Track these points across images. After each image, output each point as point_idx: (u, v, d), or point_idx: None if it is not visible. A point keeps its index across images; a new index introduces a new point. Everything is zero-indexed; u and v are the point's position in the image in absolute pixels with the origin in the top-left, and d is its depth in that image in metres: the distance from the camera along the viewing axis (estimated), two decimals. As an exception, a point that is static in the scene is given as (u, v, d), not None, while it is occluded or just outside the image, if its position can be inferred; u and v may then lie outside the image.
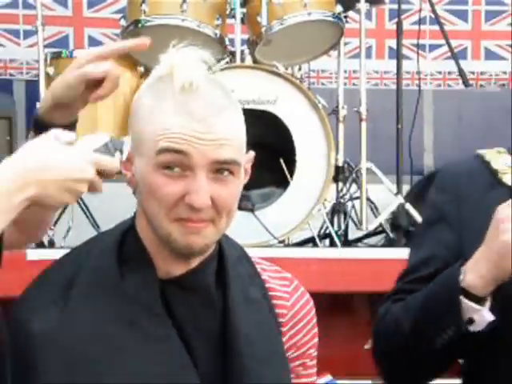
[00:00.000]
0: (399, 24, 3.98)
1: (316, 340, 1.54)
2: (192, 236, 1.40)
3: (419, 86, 4.26)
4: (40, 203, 1.26)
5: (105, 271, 1.43)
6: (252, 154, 1.46)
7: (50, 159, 1.27)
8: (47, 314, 1.41)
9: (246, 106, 3.44)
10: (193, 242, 1.40)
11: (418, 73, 4.28)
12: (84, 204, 3.61)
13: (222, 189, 1.40)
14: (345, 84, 3.98)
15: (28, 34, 4.44)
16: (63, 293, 1.43)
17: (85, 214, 3.59)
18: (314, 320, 1.54)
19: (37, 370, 1.38)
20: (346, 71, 4.11)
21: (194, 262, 1.45)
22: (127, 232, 1.47)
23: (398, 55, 3.96)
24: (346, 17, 3.83)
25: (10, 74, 4.57)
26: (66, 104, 1.52)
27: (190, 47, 1.41)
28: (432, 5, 4.05)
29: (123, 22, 3.67)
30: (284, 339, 1.50)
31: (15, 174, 1.25)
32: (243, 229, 3.20)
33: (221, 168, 1.39)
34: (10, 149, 3.35)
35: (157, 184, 1.38)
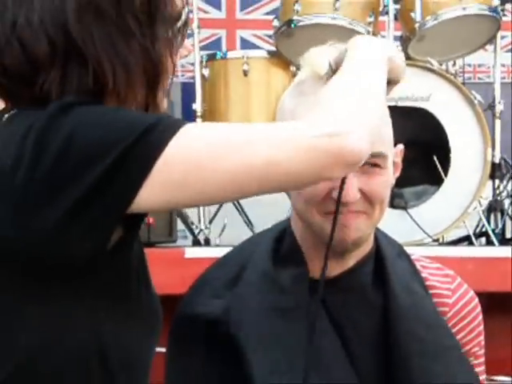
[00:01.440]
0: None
1: (481, 338, 1.51)
2: (344, 229, 1.39)
3: None
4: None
5: (264, 273, 1.44)
6: (401, 146, 1.44)
7: None
8: (212, 305, 1.43)
9: (400, 104, 3.41)
10: (345, 235, 1.40)
11: None
12: (238, 203, 3.67)
13: (370, 180, 1.39)
14: (502, 78, 3.87)
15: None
16: (226, 290, 1.45)
17: (239, 212, 3.65)
18: (479, 318, 1.50)
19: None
20: (503, 65, 4.01)
21: (351, 262, 1.44)
22: (283, 233, 1.48)
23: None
24: (502, 10, 3.73)
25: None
26: None
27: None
28: None
29: (276, 23, 3.71)
30: None
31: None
32: (396, 227, 3.17)
33: (368, 161, 1.38)
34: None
35: None
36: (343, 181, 1.35)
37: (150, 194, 1.10)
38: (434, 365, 1.42)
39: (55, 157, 1.10)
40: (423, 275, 1.50)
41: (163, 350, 1.46)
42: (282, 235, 1.48)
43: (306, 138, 1.10)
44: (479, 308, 1.51)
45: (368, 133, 1.12)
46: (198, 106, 3.72)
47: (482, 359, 1.52)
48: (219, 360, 1.40)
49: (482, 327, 1.51)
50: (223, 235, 3.63)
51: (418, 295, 1.46)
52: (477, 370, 1.51)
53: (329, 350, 1.41)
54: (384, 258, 1.46)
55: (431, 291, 1.49)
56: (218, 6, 4.46)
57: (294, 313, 1.40)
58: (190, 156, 1.10)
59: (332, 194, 1.38)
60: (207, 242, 3.63)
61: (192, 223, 3.65)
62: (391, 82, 1.32)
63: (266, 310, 1.41)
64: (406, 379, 1.41)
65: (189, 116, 3.74)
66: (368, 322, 1.43)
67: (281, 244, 1.47)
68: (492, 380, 3.17)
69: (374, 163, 1.39)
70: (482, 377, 1.52)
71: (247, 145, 1.10)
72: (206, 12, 4.43)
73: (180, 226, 3.61)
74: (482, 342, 1.51)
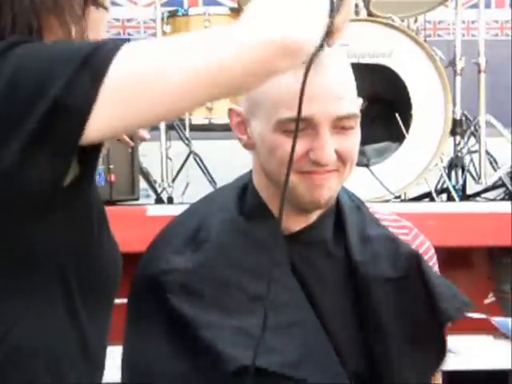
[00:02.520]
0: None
1: None
2: (318, 189, 1.41)
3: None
4: None
5: (232, 221, 1.45)
6: (360, 100, 1.45)
7: None
8: (178, 261, 1.43)
9: (361, 60, 3.41)
10: (319, 196, 1.41)
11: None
12: (201, 161, 3.66)
13: (344, 141, 1.40)
14: (463, 35, 3.89)
15: (144, -6, 4.50)
16: (190, 245, 1.45)
17: (202, 170, 3.65)
18: (436, 267, 1.53)
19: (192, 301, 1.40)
20: (464, 22, 4.02)
21: (313, 217, 1.46)
22: (245, 188, 1.48)
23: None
24: (463, -34, 3.74)
25: (129, 34, 4.65)
26: None
27: None
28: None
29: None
30: None
31: None
32: (358, 184, 3.19)
33: (342, 123, 1.39)
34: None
35: (278, 143, 1.39)
36: (295, 136, 1.34)
37: (101, 118, 1.10)
38: (396, 300, 1.44)
39: (2, 94, 1.10)
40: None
41: (124, 301, 1.47)
42: (243, 192, 1.48)
43: (247, 35, 1.12)
44: (435, 258, 1.53)
45: (307, 25, 1.15)
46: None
47: None
48: (181, 322, 1.40)
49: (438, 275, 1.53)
50: (186, 193, 3.63)
51: (372, 237, 1.48)
52: None
53: (293, 303, 1.42)
54: (343, 213, 1.47)
55: None
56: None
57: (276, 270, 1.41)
58: (134, 72, 1.11)
59: (309, 154, 1.39)
60: (170, 200, 3.63)
61: (155, 181, 3.65)
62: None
63: (242, 268, 1.41)
64: (376, 320, 1.43)
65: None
66: (331, 273, 1.45)
67: (243, 200, 1.47)
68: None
69: (348, 125, 1.40)
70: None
71: (190, 51, 1.11)
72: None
73: (143, 184, 3.60)
74: None
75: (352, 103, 1.40)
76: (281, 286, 1.41)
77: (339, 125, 1.39)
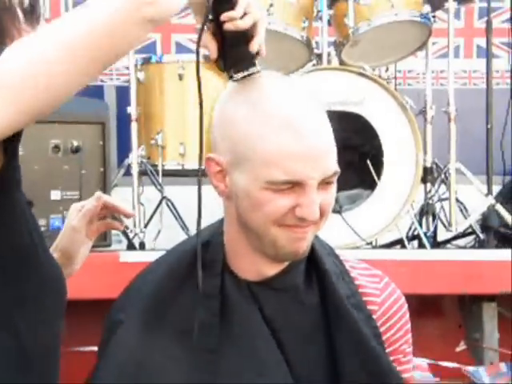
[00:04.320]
0: (489, 22, 3.92)
1: (409, 336, 1.54)
2: (298, 242, 1.42)
3: (511, 84, 4.19)
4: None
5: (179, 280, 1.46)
6: None
7: None
8: (131, 328, 1.44)
9: (333, 108, 3.44)
10: (298, 247, 1.43)
11: (510, 71, 4.21)
12: (173, 206, 3.67)
13: (326, 195, 1.42)
14: (432, 84, 3.94)
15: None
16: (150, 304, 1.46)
17: (174, 216, 3.65)
18: (407, 316, 1.53)
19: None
20: (433, 71, 4.07)
21: (286, 263, 1.46)
22: (212, 238, 1.49)
23: (487, 54, 3.91)
24: (433, 16, 3.79)
25: (101, 80, 4.66)
26: (71, 253, 1.61)
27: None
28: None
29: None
30: None
31: None
32: (331, 231, 3.20)
33: (327, 180, 1.41)
34: (103, 154, 3.42)
35: (267, 200, 1.40)
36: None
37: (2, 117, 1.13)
38: (374, 344, 1.45)
39: None
40: (352, 275, 1.53)
41: (94, 348, 1.46)
42: (208, 243, 1.49)
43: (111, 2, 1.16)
44: (406, 306, 1.54)
45: None
46: (132, 109, 3.71)
47: (411, 356, 1.55)
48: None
49: (409, 325, 1.54)
50: (159, 239, 3.62)
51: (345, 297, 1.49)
52: (406, 367, 1.54)
53: (264, 350, 1.42)
54: (317, 258, 1.48)
55: (360, 290, 1.51)
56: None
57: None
58: (17, 65, 1.14)
59: (295, 210, 1.40)
60: (142, 246, 3.62)
61: (127, 227, 3.64)
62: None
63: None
64: (351, 368, 1.43)
65: (123, 119, 3.73)
66: (302, 320, 1.45)
67: (207, 250, 1.48)
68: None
69: (332, 180, 1.42)
70: (411, 374, 1.55)
71: (60, 27, 1.16)
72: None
73: (115, 230, 3.59)
74: (410, 340, 1.54)
75: (335, 159, 1.42)
76: (252, 332, 1.41)
77: (324, 181, 1.41)
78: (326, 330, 1.45)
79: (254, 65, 1.38)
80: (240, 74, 1.39)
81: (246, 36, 1.36)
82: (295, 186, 1.39)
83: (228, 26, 1.35)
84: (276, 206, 1.39)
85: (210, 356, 1.40)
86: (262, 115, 1.39)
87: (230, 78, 1.40)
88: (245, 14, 1.34)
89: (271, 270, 1.46)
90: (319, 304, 1.46)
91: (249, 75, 1.39)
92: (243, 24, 1.34)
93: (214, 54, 1.38)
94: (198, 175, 1.37)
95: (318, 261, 1.48)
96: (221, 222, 1.51)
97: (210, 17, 1.35)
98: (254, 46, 1.36)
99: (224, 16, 1.34)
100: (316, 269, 1.48)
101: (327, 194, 1.42)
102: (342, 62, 3.75)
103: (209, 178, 1.45)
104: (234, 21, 1.34)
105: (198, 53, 1.36)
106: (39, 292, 1.26)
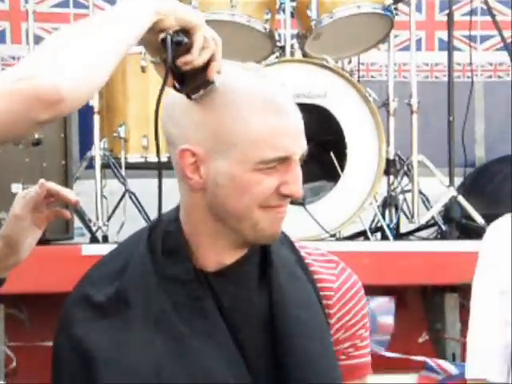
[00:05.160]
0: (450, 15, 3.95)
1: (366, 321, 1.54)
2: (279, 222, 1.43)
3: (472, 77, 4.22)
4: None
5: (146, 261, 1.45)
6: None
7: None
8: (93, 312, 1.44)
9: (297, 100, 3.42)
10: (278, 229, 1.44)
11: (471, 64, 4.24)
12: (136, 199, 3.65)
13: (300, 174, 1.44)
14: (395, 77, 3.96)
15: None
16: (108, 286, 1.45)
17: (137, 208, 3.64)
18: (363, 301, 1.54)
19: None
20: (395, 64, 4.09)
21: (244, 251, 1.46)
22: (168, 225, 1.48)
23: (449, 47, 3.93)
24: (395, 9, 3.81)
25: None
26: (15, 241, 1.57)
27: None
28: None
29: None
30: (332, 321, 1.50)
31: None
32: (294, 223, 3.21)
33: (301, 157, 1.44)
34: (65, 146, 3.40)
35: (255, 181, 1.40)
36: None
37: None
38: (316, 346, 1.45)
39: None
40: (307, 261, 1.53)
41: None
42: (164, 229, 1.48)
43: (4, 86, 1.11)
44: (362, 291, 1.54)
45: (69, 74, 1.13)
46: (95, 102, 3.68)
47: (368, 341, 1.55)
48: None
49: (366, 310, 1.55)
50: (122, 232, 3.61)
51: (301, 281, 1.49)
52: (363, 352, 1.54)
53: (220, 340, 1.42)
54: (269, 247, 1.48)
55: (315, 276, 1.51)
56: (113, 3, 4.42)
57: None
58: None
59: (280, 189, 1.41)
60: (105, 239, 3.60)
61: (89, 220, 3.62)
62: (188, 31, 1.34)
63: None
64: (290, 360, 1.43)
65: (85, 112, 3.70)
66: (255, 310, 1.45)
67: (165, 237, 1.47)
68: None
69: (302, 158, 1.44)
70: (368, 358, 1.55)
71: None
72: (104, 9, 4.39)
73: (77, 223, 3.57)
74: (368, 324, 1.55)
75: (304, 139, 1.45)
76: (207, 321, 1.42)
77: (300, 159, 1.43)
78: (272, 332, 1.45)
79: (211, 83, 1.39)
80: (197, 95, 1.40)
81: (204, 67, 1.36)
82: (280, 164, 1.40)
83: (185, 68, 1.36)
84: (264, 188, 1.40)
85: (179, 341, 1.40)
86: (242, 98, 1.40)
87: (188, 97, 1.40)
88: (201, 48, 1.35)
89: (228, 259, 1.46)
90: (268, 295, 1.46)
91: (206, 92, 1.40)
92: (201, 61, 1.35)
93: (169, 83, 1.38)
94: (159, 168, 1.37)
95: (269, 250, 1.48)
96: (175, 210, 1.50)
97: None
98: (211, 75, 1.37)
99: (180, 62, 1.35)
100: (267, 258, 1.48)
101: (300, 173, 1.44)
102: (304, 55, 3.75)
103: (178, 171, 1.44)
104: (191, 62, 1.35)
105: (158, 103, 1.35)
106: None
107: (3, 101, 1.10)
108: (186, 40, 1.33)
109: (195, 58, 1.34)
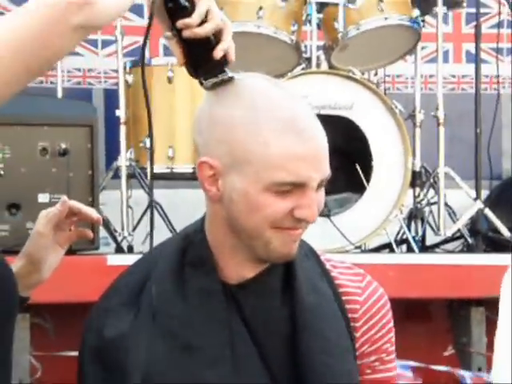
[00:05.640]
0: (478, 27, 3.93)
1: (391, 335, 1.53)
2: (292, 244, 1.43)
3: (498, 89, 4.20)
4: None
5: (171, 271, 1.45)
6: None
7: None
8: (119, 319, 1.44)
9: (322, 112, 3.44)
10: (291, 250, 1.44)
11: (497, 76, 4.23)
12: (162, 209, 3.66)
13: (320, 197, 1.43)
14: (421, 89, 3.95)
15: (106, 44, 4.51)
16: (134, 297, 1.45)
17: (163, 219, 3.64)
18: (389, 315, 1.53)
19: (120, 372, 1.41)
20: (422, 76, 4.08)
21: (266, 264, 1.46)
22: (193, 236, 1.48)
23: (476, 59, 3.92)
24: (423, 21, 3.80)
25: (89, 83, 4.65)
26: (37, 259, 1.57)
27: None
28: (511, 8, 4.00)
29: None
30: (357, 335, 1.50)
31: None
32: (319, 234, 3.20)
33: (321, 183, 1.43)
34: (91, 156, 3.41)
35: (268, 203, 1.40)
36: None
37: None
38: (336, 363, 1.45)
39: None
40: (333, 274, 1.52)
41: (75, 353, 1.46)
42: (189, 240, 1.48)
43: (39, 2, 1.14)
44: (389, 305, 1.54)
45: None
46: (121, 112, 3.70)
47: (393, 355, 1.55)
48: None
49: (391, 324, 1.54)
50: (147, 242, 3.61)
51: (325, 296, 1.49)
52: (389, 366, 1.54)
53: (243, 351, 1.42)
54: (293, 260, 1.48)
55: (341, 289, 1.51)
56: (141, 14, 4.44)
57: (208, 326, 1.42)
58: None
59: (294, 212, 1.40)
60: (130, 249, 3.61)
61: (115, 230, 3.63)
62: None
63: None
64: (310, 376, 1.43)
65: (112, 122, 3.72)
66: (278, 323, 1.45)
67: (188, 248, 1.47)
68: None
69: (325, 182, 1.43)
70: (394, 373, 1.55)
71: None
72: (129, 20, 4.41)
73: (103, 233, 3.58)
74: (393, 339, 1.54)
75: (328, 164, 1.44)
76: (232, 333, 1.42)
77: (320, 184, 1.42)
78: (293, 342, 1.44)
79: (222, 71, 1.38)
80: (209, 82, 1.39)
81: (209, 43, 1.35)
82: (295, 187, 1.40)
83: (186, 34, 1.35)
84: (275, 209, 1.40)
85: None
86: (262, 118, 1.40)
87: (201, 84, 1.40)
88: (205, 21, 1.33)
89: (250, 272, 1.46)
90: (290, 308, 1.45)
91: (219, 82, 1.39)
92: (202, 31, 1.34)
93: (179, 59, 1.38)
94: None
95: (293, 263, 1.48)
96: (201, 220, 1.50)
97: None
98: (217, 53, 1.36)
99: (179, 23, 1.34)
100: (291, 271, 1.47)
101: (320, 195, 1.44)
102: (331, 66, 3.75)
103: (199, 181, 1.45)
104: (191, 28, 1.34)
105: (143, 57, 1.36)
106: None
107: (36, 5, 1.12)
108: (187, 4, 1.32)
109: (195, 22, 1.32)
